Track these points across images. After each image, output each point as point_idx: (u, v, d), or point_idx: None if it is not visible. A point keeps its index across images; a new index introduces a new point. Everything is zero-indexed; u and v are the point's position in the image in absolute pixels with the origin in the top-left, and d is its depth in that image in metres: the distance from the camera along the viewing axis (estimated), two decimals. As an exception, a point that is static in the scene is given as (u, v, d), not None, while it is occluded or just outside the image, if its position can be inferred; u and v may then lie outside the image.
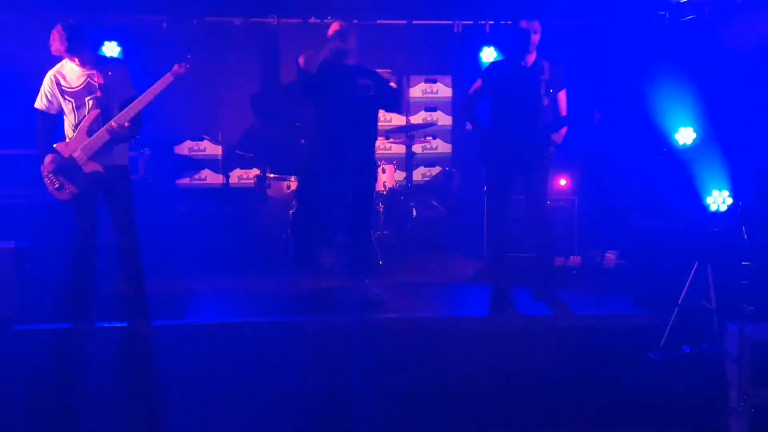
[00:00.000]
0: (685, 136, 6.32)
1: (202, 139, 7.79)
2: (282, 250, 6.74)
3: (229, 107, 7.90)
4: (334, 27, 5.57)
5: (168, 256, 6.70)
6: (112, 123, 5.04)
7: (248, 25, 7.77)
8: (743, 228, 4.23)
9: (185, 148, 7.84)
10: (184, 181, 7.83)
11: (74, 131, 5.10)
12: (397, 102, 5.81)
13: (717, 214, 5.34)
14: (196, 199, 7.66)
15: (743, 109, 5.97)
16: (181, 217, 7.36)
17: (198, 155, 7.84)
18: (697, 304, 4.97)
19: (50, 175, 5.09)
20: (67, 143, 5.11)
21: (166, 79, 5.11)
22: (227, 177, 7.82)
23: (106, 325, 5.10)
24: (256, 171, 7.53)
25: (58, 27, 5.01)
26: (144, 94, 5.08)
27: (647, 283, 5.54)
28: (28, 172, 6.08)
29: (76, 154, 5.08)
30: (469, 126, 6.63)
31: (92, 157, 5.09)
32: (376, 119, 5.75)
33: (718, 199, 5.40)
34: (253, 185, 7.56)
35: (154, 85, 5.09)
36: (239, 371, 4.86)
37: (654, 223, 6.10)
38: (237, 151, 7.48)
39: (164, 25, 7.55)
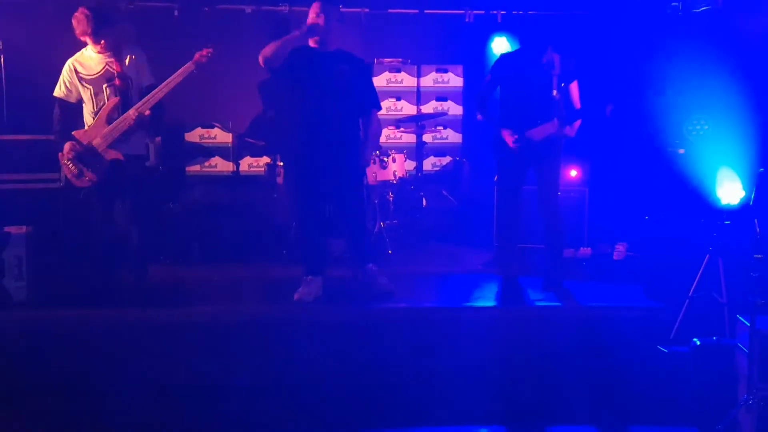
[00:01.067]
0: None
1: (212, 127, 7.80)
2: (292, 238, 6.75)
3: (240, 95, 7.89)
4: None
5: (178, 243, 6.73)
6: (132, 111, 5.06)
7: (260, 12, 7.77)
8: (755, 221, 4.20)
9: (196, 135, 7.85)
10: (195, 168, 7.84)
11: (93, 119, 5.13)
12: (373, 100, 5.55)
13: (729, 207, 5.30)
14: (206, 186, 7.66)
15: (758, 101, 5.93)
16: (191, 204, 7.36)
17: (208, 143, 7.85)
18: (707, 296, 4.95)
19: (69, 162, 5.11)
20: (86, 131, 5.14)
21: (188, 68, 5.14)
22: (237, 165, 7.82)
23: (121, 310, 5.13)
24: (266, 159, 7.54)
25: (83, 9, 5.03)
26: (165, 82, 5.10)
27: (657, 275, 5.52)
28: (39, 157, 6.12)
29: (95, 142, 5.10)
30: (480, 117, 6.61)
31: (112, 145, 5.12)
32: (354, 109, 5.47)
33: (731, 193, 5.35)
34: (263, 173, 7.56)
35: (175, 74, 5.11)
36: (246, 361, 4.88)
37: (665, 215, 6.07)
38: (247, 139, 7.48)
39: (176, 12, 7.55)
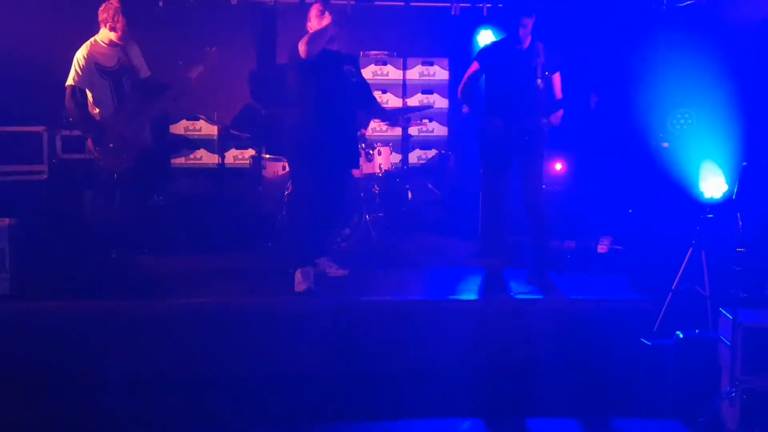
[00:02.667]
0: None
1: (197, 119, 7.74)
2: (277, 230, 6.74)
3: (226, 87, 7.84)
4: (319, 9, 5.48)
5: (162, 236, 6.69)
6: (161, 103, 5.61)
7: (245, 4, 7.72)
8: (738, 214, 4.23)
9: (181, 127, 7.79)
10: (180, 160, 7.79)
11: (115, 109, 5.30)
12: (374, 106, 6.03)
13: (712, 201, 5.32)
14: (191, 178, 7.62)
15: (742, 95, 5.96)
16: (175, 196, 7.33)
17: (193, 135, 7.79)
18: (691, 289, 4.98)
19: (106, 150, 5.34)
20: (116, 119, 5.33)
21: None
22: (223, 157, 7.79)
23: (105, 302, 5.11)
24: (251, 151, 7.51)
25: (119, 2, 5.35)
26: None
27: (641, 267, 5.55)
28: (22, 149, 6.08)
29: (125, 131, 5.37)
30: (465, 109, 6.62)
31: (136, 134, 5.45)
32: (357, 104, 5.78)
33: (714, 186, 5.37)
34: (248, 166, 7.53)
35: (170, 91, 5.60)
36: (233, 352, 4.88)
37: (649, 208, 6.09)
38: (232, 131, 7.44)
39: (160, 2, 7.49)
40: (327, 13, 5.44)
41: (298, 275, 5.42)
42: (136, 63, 5.48)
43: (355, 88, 5.67)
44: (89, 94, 5.38)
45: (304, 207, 5.65)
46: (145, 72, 5.53)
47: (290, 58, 5.48)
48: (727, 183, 5.12)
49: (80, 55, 5.35)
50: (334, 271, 5.86)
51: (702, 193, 5.22)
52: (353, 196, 6.46)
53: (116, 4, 5.33)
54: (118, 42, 5.37)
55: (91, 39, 5.41)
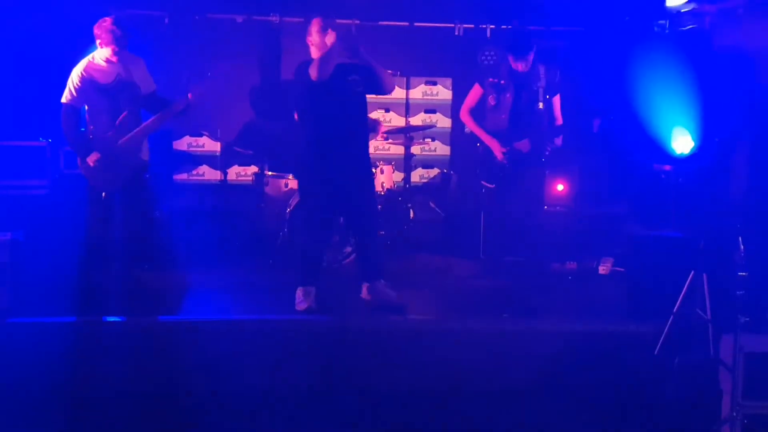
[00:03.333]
0: (682, 144, 6.19)
1: (201, 135, 7.78)
2: (278, 247, 6.75)
3: (229, 104, 7.88)
4: (320, 25, 5.37)
5: (165, 251, 6.70)
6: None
7: (250, 22, 7.77)
8: (740, 239, 4.24)
9: (184, 143, 7.83)
10: (182, 176, 7.82)
11: (110, 126, 5.25)
12: (380, 83, 5.48)
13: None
14: (194, 194, 7.64)
15: (742, 117, 5.99)
16: (178, 212, 7.34)
17: (196, 151, 7.83)
18: (692, 313, 4.98)
19: (91, 168, 5.28)
20: (106, 137, 5.26)
21: (177, 106, 5.40)
22: (225, 173, 7.82)
23: (110, 319, 5.13)
24: (254, 168, 7.53)
25: (112, 19, 5.25)
26: (155, 117, 5.39)
27: (643, 290, 5.55)
28: (25, 164, 6.10)
29: (114, 148, 5.27)
30: (468, 129, 6.65)
31: (129, 151, 5.32)
32: (366, 114, 5.65)
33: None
34: (251, 182, 7.56)
35: (163, 112, 5.39)
36: (239, 369, 4.88)
37: (650, 232, 6.10)
38: (235, 148, 7.47)
39: (166, 20, 7.54)
40: (330, 30, 5.34)
41: (299, 293, 5.42)
42: (137, 78, 5.39)
43: (361, 96, 5.48)
44: (87, 111, 5.36)
45: (308, 225, 5.59)
46: (148, 87, 5.45)
47: (298, 79, 5.39)
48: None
49: (75, 73, 5.30)
50: (386, 296, 5.50)
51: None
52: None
53: (109, 21, 5.25)
54: (114, 59, 5.29)
55: (89, 56, 5.36)
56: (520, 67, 5.72)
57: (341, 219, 6.02)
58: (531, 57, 5.70)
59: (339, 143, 5.37)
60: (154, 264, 6.34)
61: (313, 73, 5.22)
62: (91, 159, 5.28)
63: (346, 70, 5.37)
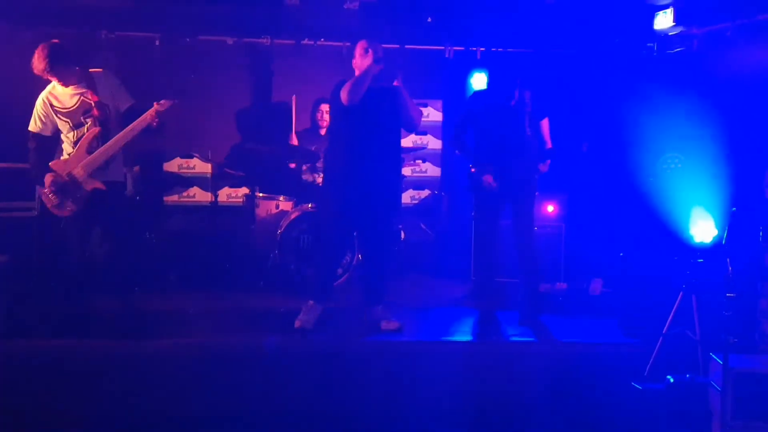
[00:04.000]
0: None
1: (191, 157, 7.79)
2: (269, 269, 6.74)
3: (220, 126, 7.90)
4: (363, 47, 5.39)
5: (155, 273, 6.69)
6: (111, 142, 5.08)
7: (241, 44, 7.79)
8: (728, 260, 4.26)
9: (174, 165, 7.84)
10: (173, 198, 7.82)
11: (74, 148, 5.13)
12: (409, 118, 5.51)
13: (702, 246, 5.35)
14: (185, 216, 7.64)
15: (731, 141, 6.03)
16: (168, 234, 7.33)
17: (187, 173, 7.83)
18: (681, 333, 4.99)
19: (51, 194, 5.10)
20: (66, 161, 5.14)
21: (144, 119, 5.12)
22: (216, 195, 7.82)
23: (94, 341, 5.08)
24: (245, 190, 7.53)
25: (41, 47, 5.04)
26: (121, 133, 5.12)
27: (632, 311, 5.56)
28: (10, 186, 6.08)
29: (75, 172, 5.11)
30: (458, 152, 6.68)
31: (93, 174, 5.12)
32: (399, 140, 5.64)
33: (704, 231, 5.40)
34: (241, 204, 7.56)
35: (131, 125, 5.12)
36: (231, 391, 4.85)
37: (640, 252, 6.12)
38: (226, 170, 7.48)
39: (157, 42, 7.57)
40: (371, 51, 5.35)
41: (305, 306, 5.47)
42: (104, 97, 5.15)
43: (396, 121, 5.46)
44: (62, 137, 5.22)
45: (326, 243, 5.61)
46: (123, 104, 5.21)
47: (333, 98, 5.40)
48: (717, 228, 5.16)
49: (39, 100, 5.18)
50: (386, 324, 5.55)
51: (692, 238, 5.25)
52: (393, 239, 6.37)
53: (38, 54, 5.01)
54: (73, 84, 5.12)
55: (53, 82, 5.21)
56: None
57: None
58: (516, 93, 5.71)
59: (368, 165, 5.34)
60: (144, 286, 6.34)
61: (343, 96, 5.24)
62: (47, 183, 5.10)
63: (381, 95, 5.37)
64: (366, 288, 5.69)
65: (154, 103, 5.13)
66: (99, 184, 5.12)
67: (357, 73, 5.38)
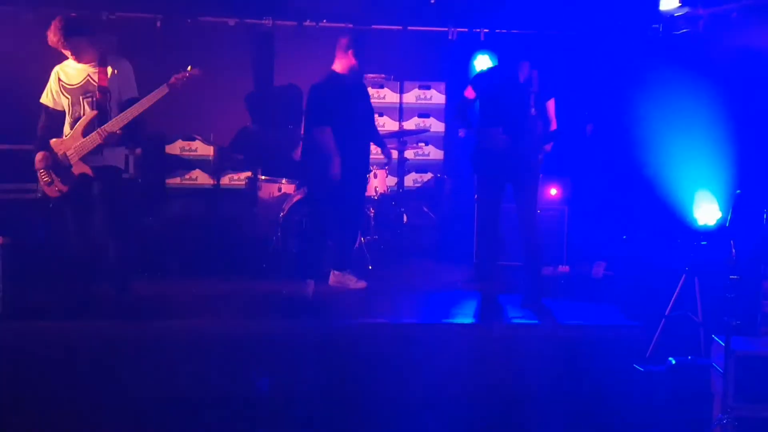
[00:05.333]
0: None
1: (193, 139, 7.77)
2: (271, 252, 6.74)
3: (222, 108, 7.87)
4: (344, 44, 5.98)
5: (157, 256, 6.69)
6: (104, 129, 5.03)
7: (243, 25, 7.76)
8: (731, 242, 4.23)
9: (176, 147, 7.81)
10: (175, 180, 7.80)
11: (71, 129, 5.11)
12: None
13: (705, 229, 5.33)
14: (186, 199, 7.62)
15: (736, 123, 5.99)
16: (170, 217, 7.32)
17: (189, 155, 7.81)
18: (683, 316, 4.98)
19: (42, 170, 5.09)
20: (63, 140, 5.12)
21: (162, 90, 5.09)
22: (218, 178, 7.80)
23: (96, 323, 5.07)
24: (247, 173, 7.52)
25: (57, 19, 5.03)
26: (138, 103, 5.07)
27: (635, 293, 5.55)
28: (18, 168, 6.07)
29: (69, 153, 5.08)
30: (461, 133, 6.65)
31: (83, 158, 5.09)
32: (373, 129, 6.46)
33: (708, 214, 5.38)
34: (243, 187, 7.54)
35: (148, 96, 5.08)
36: (225, 374, 4.86)
37: (643, 235, 6.11)
38: (229, 153, 7.46)
39: (158, 23, 7.53)
40: (351, 51, 5.95)
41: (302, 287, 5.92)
42: (112, 83, 5.11)
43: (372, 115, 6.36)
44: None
45: (315, 225, 6.17)
46: (126, 93, 5.15)
47: (307, 109, 6.07)
48: (721, 211, 5.14)
49: (53, 71, 5.18)
50: (354, 283, 6.12)
51: (696, 221, 5.23)
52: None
53: (54, 25, 4.99)
54: (86, 63, 5.10)
55: None
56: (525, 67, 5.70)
57: None
58: (526, 67, 5.68)
59: (354, 150, 5.97)
60: (146, 269, 6.34)
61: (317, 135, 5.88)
62: (36, 160, 5.10)
63: (361, 83, 6.23)
64: (338, 254, 6.17)
65: (172, 76, 5.11)
66: (86, 170, 5.08)
67: (338, 67, 5.97)
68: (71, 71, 5.14)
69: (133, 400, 4.64)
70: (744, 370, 4.15)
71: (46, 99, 5.19)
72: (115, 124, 5.03)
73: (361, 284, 6.14)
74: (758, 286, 4.90)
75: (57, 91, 5.16)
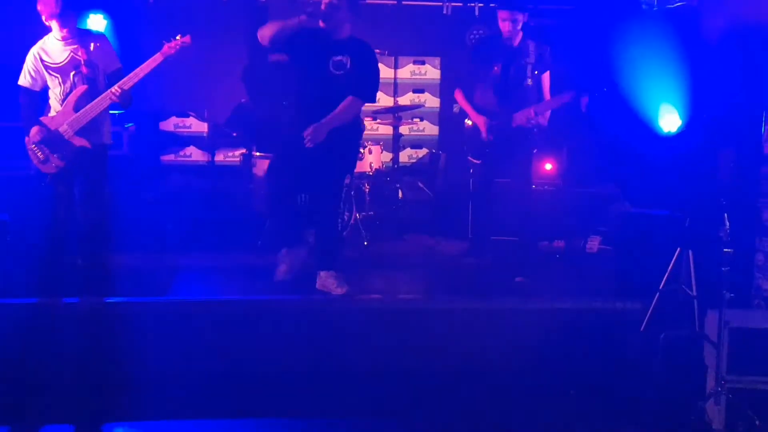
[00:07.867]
0: (669, 122, 6.12)
1: (187, 116, 7.74)
2: (266, 228, 6.73)
3: (216, 84, 7.84)
4: None
5: (151, 233, 6.68)
6: (119, 86, 5.00)
7: (237, 0, 7.70)
8: (725, 215, 4.25)
9: (170, 124, 7.78)
10: (169, 157, 7.78)
11: (61, 105, 5.09)
12: (368, 90, 5.25)
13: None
14: (181, 175, 7.61)
15: (730, 98, 5.99)
16: (165, 193, 7.31)
17: (183, 132, 7.78)
18: (678, 290, 5.01)
19: (35, 147, 5.08)
20: (54, 117, 5.11)
21: (156, 59, 5.06)
22: (212, 154, 7.78)
23: (73, 301, 5.08)
24: (242, 149, 7.50)
25: None
26: (133, 72, 5.05)
27: (630, 268, 5.57)
28: (11, 145, 6.05)
29: (62, 129, 5.07)
30: (456, 108, 6.63)
31: (79, 132, 5.08)
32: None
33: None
34: (238, 163, 7.52)
35: (142, 65, 5.05)
36: (217, 349, 4.88)
37: (637, 209, 6.12)
38: (223, 129, 7.43)
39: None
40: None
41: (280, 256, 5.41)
42: (96, 57, 5.08)
43: (347, 80, 5.10)
44: (50, 92, 5.17)
45: (271, 198, 5.61)
46: (110, 66, 5.13)
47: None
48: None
49: (29, 54, 5.13)
50: (335, 289, 5.23)
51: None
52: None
53: None
54: (66, 39, 5.07)
55: (46, 35, 5.15)
56: (507, 26, 5.65)
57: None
58: (519, 18, 5.63)
59: (308, 116, 5.09)
60: (141, 245, 6.34)
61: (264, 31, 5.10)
62: (32, 134, 5.07)
63: (342, 47, 5.11)
64: (318, 252, 5.44)
65: (165, 45, 5.05)
66: (85, 142, 5.08)
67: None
68: (53, 50, 5.11)
69: (127, 375, 4.67)
70: (737, 343, 4.19)
71: (23, 80, 5.16)
72: (124, 84, 5.03)
73: (341, 290, 5.23)
74: (751, 259, 4.94)
75: (38, 72, 5.12)
